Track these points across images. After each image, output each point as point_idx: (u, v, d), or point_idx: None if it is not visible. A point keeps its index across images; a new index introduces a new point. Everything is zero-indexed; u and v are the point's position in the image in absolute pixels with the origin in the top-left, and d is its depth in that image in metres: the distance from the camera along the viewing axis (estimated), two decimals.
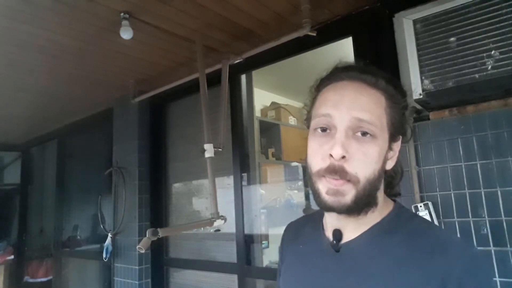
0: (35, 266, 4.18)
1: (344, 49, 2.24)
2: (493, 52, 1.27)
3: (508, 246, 1.27)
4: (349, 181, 0.62)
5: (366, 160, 0.63)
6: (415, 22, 1.45)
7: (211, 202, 1.86)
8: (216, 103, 2.15)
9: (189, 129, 2.80)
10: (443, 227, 1.41)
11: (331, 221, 0.72)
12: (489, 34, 1.28)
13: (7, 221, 4.64)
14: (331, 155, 0.62)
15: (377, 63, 1.74)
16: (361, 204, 0.65)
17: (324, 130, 0.65)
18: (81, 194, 3.80)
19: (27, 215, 4.61)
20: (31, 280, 4.17)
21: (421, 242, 0.63)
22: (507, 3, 1.25)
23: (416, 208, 1.44)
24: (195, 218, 2.66)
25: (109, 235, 2.90)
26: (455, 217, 1.39)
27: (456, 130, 1.42)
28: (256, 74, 2.52)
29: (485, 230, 1.32)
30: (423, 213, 1.43)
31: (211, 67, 2.23)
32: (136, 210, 2.79)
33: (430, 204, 1.43)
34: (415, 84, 1.44)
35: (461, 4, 1.34)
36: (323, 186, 0.64)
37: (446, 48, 1.37)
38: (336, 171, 0.62)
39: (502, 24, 1.26)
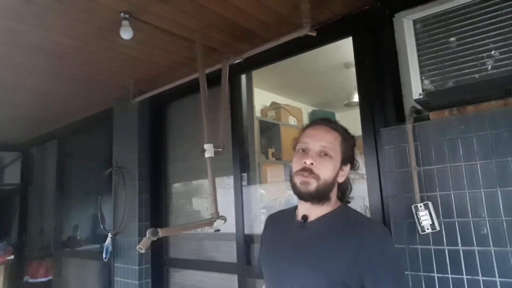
0: (35, 266, 4.18)
1: (344, 49, 2.24)
2: (493, 52, 1.27)
3: (508, 246, 1.27)
4: (313, 177, 1.03)
5: (325, 169, 1.05)
6: (415, 22, 1.45)
7: (211, 202, 1.86)
8: (216, 103, 2.15)
9: (189, 129, 2.80)
10: (441, 228, 1.41)
11: (301, 209, 1.12)
12: (489, 34, 1.28)
13: (7, 221, 4.64)
14: (305, 162, 1.05)
15: (377, 63, 1.75)
16: (320, 195, 1.05)
17: (303, 150, 1.08)
18: (81, 194, 3.81)
19: (27, 215, 4.61)
20: (31, 280, 4.16)
21: (349, 223, 1.04)
22: (507, 3, 1.25)
23: (416, 208, 1.44)
24: (195, 218, 2.66)
25: (109, 235, 2.90)
26: (455, 217, 1.39)
27: (456, 130, 1.42)
28: (256, 74, 2.52)
29: (485, 230, 1.32)
30: (423, 213, 1.43)
31: (211, 67, 2.23)
32: (136, 210, 2.79)
33: (430, 204, 1.43)
34: (415, 84, 1.44)
35: (461, 4, 1.34)
36: (298, 179, 1.05)
37: (446, 48, 1.37)
38: (307, 170, 1.04)
39: (502, 24, 1.26)
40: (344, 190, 1.16)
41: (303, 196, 1.05)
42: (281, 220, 1.22)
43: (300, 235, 1.08)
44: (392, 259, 0.98)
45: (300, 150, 1.09)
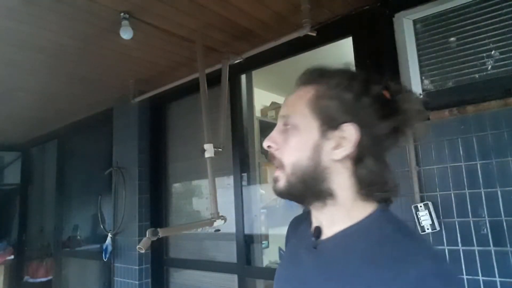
0: (35, 266, 4.18)
1: (344, 49, 2.24)
2: (493, 52, 1.27)
3: (508, 246, 1.27)
4: (279, 168, 0.68)
5: (288, 148, 0.67)
6: (415, 22, 1.45)
7: (211, 202, 1.86)
8: (216, 103, 2.15)
9: (189, 129, 2.80)
10: (441, 228, 1.41)
11: (313, 217, 0.74)
12: (489, 34, 1.28)
13: (7, 221, 4.64)
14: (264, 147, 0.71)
15: (377, 63, 1.75)
16: (297, 192, 0.67)
17: None
18: (81, 194, 3.80)
19: (27, 215, 4.61)
20: (31, 280, 4.17)
21: (387, 252, 0.58)
22: (507, 3, 1.25)
23: (416, 208, 1.45)
24: (195, 218, 2.66)
25: (109, 235, 2.90)
26: (455, 217, 1.39)
27: (456, 130, 1.42)
28: (256, 74, 2.52)
29: (485, 230, 1.32)
30: (423, 213, 1.43)
31: (211, 67, 2.23)
32: (136, 210, 2.79)
33: (430, 204, 1.43)
34: (415, 84, 1.44)
35: (461, 4, 1.34)
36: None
37: (446, 48, 1.37)
38: (270, 159, 0.70)
39: (502, 24, 1.26)
40: (363, 178, 0.64)
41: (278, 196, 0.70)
42: (301, 229, 0.79)
43: (311, 262, 0.68)
44: None
45: None
